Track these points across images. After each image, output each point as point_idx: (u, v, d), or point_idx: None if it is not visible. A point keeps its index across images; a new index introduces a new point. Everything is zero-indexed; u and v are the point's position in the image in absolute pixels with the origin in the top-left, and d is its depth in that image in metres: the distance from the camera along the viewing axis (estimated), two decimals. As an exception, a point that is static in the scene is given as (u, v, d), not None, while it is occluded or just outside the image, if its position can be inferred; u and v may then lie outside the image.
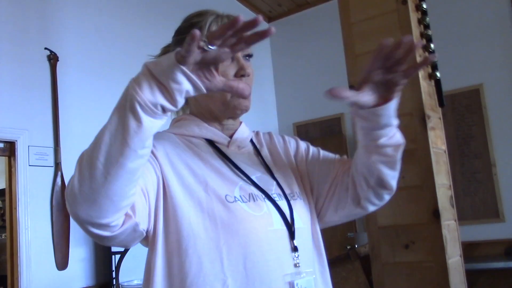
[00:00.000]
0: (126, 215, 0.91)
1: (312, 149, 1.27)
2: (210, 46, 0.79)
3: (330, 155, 1.27)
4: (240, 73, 1.08)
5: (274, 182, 1.13)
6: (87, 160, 0.83)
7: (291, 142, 1.28)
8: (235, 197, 1.03)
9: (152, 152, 1.00)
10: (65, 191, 0.87)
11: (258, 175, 1.13)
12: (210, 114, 1.14)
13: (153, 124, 0.81)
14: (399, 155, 1.09)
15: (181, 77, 0.80)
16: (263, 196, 1.07)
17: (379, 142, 1.05)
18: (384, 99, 0.99)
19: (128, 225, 0.92)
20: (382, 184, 1.12)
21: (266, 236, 1.02)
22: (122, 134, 0.81)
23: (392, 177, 1.13)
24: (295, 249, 1.05)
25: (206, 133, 1.13)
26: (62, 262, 3.27)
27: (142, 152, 0.83)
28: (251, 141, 1.22)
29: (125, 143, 0.81)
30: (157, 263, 1.02)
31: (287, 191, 1.14)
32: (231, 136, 1.15)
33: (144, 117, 0.80)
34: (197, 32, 0.76)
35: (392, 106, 1.00)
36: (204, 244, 0.99)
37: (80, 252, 3.41)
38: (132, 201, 0.90)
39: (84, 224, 0.88)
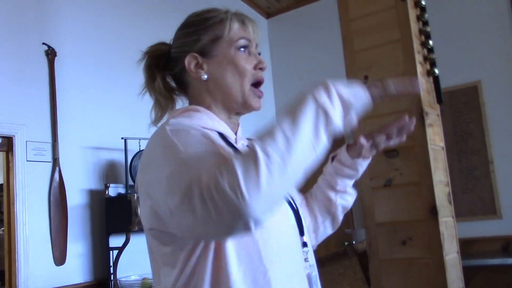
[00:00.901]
0: None
1: None
2: None
3: None
4: (259, 66, 1.12)
5: None
6: (279, 165, 0.81)
7: None
8: None
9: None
10: (240, 190, 0.78)
11: None
12: (223, 106, 1.13)
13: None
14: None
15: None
16: None
17: (348, 189, 1.27)
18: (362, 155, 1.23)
19: None
20: (333, 225, 1.31)
21: (286, 230, 1.06)
22: (315, 147, 0.85)
23: (340, 221, 1.31)
24: (304, 244, 1.09)
25: (219, 127, 1.10)
26: (60, 257, 3.27)
27: None
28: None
29: (315, 154, 0.86)
30: (179, 261, 1.00)
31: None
32: (236, 133, 1.16)
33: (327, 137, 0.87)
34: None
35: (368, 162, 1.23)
36: (240, 238, 0.97)
37: (77, 248, 3.41)
38: None
39: (252, 222, 0.82)
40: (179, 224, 0.90)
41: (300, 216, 1.12)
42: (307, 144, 0.83)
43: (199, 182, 0.81)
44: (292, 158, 0.81)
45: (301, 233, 1.10)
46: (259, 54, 1.17)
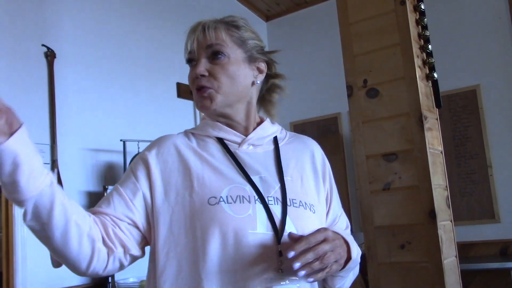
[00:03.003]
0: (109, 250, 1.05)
1: (330, 201, 1.27)
2: None
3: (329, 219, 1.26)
4: (194, 76, 1.14)
5: (278, 185, 1.12)
6: None
7: (326, 172, 1.27)
8: (221, 197, 1.04)
9: (148, 171, 1.11)
10: None
11: (263, 175, 1.12)
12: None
13: None
14: None
15: None
16: (256, 197, 1.07)
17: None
18: None
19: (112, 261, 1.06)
20: None
21: (246, 239, 1.01)
22: None
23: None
24: (280, 253, 1.02)
25: (218, 133, 1.17)
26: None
27: None
28: (275, 139, 1.23)
29: None
30: (149, 267, 1.10)
31: (290, 197, 1.11)
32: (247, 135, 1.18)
33: None
34: None
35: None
36: (183, 247, 1.03)
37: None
38: None
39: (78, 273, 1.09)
40: None
41: (283, 222, 1.05)
42: None
43: None
44: None
45: (278, 241, 1.03)
46: (214, 54, 1.14)
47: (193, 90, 1.17)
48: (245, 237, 1.01)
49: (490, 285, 3.86)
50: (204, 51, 1.14)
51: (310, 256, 0.94)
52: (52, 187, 0.94)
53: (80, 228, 0.99)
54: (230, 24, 1.17)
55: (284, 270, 1.00)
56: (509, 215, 4.28)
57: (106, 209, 1.07)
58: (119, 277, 3.41)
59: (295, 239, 0.98)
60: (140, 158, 1.14)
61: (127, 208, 1.08)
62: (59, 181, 3.32)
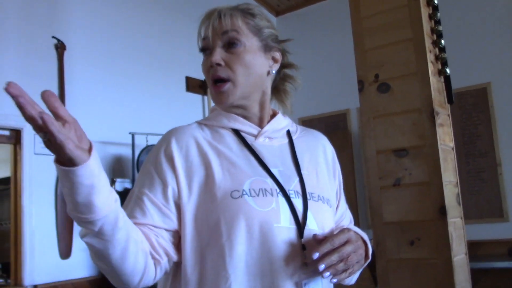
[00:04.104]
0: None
1: (339, 197, 1.28)
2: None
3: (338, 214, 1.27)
4: (209, 65, 1.11)
5: (297, 179, 1.11)
6: None
7: (336, 167, 1.27)
8: (243, 190, 1.02)
9: (172, 165, 1.06)
10: None
11: (281, 169, 1.11)
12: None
13: None
14: None
15: None
16: (278, 191, 1.05)
17: None
18: None
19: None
20: None
21: (271, 232, 1.00)
22: None
23: None
24: (303, 247, 1.02)
25: (234, 124, 1.14)
26: (65, 251, 3.27)
27: None
28: (288, 133, 1.21)
29: None
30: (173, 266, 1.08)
31: (309, 190, 1.11)
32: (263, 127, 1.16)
33: None
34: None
35: None
36: (208, 242, 1.00)
37: (83, 242, 3.41)
38: None
39: None
40: None
41: (304, 216, 1.05)
42: None
43: None
44: None
45: (301, 235, 1.03)
46: (231, 42, 1.10)
47: (208, 80, 1.13)
48: (270, 230, 1.01)
49: (498, 284, 3.84)
50: (219, 38, 1.10)
51: (334, 258, 0.96)
52: (117, 203, 0.90)
53: (137, 244, 0.95)
54: (246, 12, 1.14)
55: (308, 264, 1.00)
56: (518, 214, 4.26)
57: (144, 219, 1.02)
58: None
59: (319, 240, 0.99)
60: (163, 153, 1.08)
61: (164, 215, 1.03)
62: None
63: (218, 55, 1.09)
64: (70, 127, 0.79)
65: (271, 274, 0.99)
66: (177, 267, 1.06)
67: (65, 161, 0.79)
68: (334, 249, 0.97)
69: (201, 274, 1.01)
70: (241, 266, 0.99)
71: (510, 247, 4.21)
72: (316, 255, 0.95)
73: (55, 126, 0.73)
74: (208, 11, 1.13)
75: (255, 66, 1.12)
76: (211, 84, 1.12)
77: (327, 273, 0.95)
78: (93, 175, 0.81)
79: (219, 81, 1.10)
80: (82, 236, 0.90)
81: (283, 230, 1.02)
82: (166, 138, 1.10)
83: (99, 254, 0.92)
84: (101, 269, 0.96)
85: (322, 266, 0.94)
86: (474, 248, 4.11)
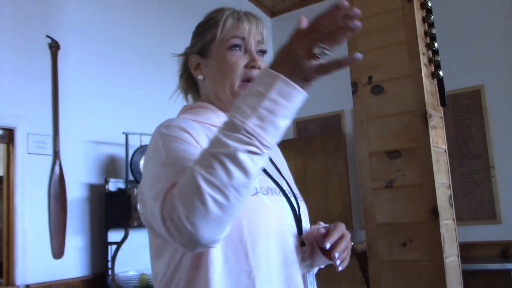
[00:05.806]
0: None
1: None
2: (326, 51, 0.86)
3: None
4: (251, 64, 1.13)
5: (283, 180, 1.18)
6: (222, 194, 0.81)
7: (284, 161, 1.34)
8: (256, 188, 1.04)
9: (195, 141, 1.02)
10: (190, 222, 0.81)
11: (272, 170, 1.16)
12: (221, 103, 1.17)
13: None
14: None
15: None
16: (278, 190, 1.11)
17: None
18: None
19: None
20: None
21: (282, 229, 1.06)
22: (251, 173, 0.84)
23: None
24: (302, 243, 1.11)
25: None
26: (58, 250, 3.26)
27: None
28: None
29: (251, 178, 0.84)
30: (175, 261, 1.03)
31: (294, 191, 1.19)
32: None
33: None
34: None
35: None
36: (228, 237, 0.96)
37: (76, 242, 3.40)
38: None
39: (206, 244, 0.86)
40: (153, 224, 0.95)
41: (299, 215, 1.13)
42: (243, 169, 0.82)
43: (164, 200, 0.86)
44: (234, 185, 0.81)
45: (299, 232, 1.11)
46: (263, 51, 1.18)
47: (236, 75, 1.12)
48: (281, 227, 1.07)
49: (491, 286, 3.85)
50: (255, 44, 1.16)
51: (346, 254, 1.13)
52: None
53: None
54: (263, 25, 1.21)
55: (305, 259, 1.11)
56: (510, 217, 4.27)
57: None
58: (118, 270, 3.41)
59: (324, 236, 1.12)
60: (182, 131, 1.02)
61: None
62: (61, 173, 3.32)
63: (260, 61, 1.15)
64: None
65: (284, 268, 1.05)
66: (184, 258, 1.01)
67: (305, 85, 0.93)
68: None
69: (222, 267, 0.99)
70: (262, 261, 1.01)
71: (502, 249, 4.23)
72: (337, 254, 1.09)
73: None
74: (247, 14, 1.19)
75: None
76: (240, 81, 1.13)
77: (340, 268, 1.11)
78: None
79: (250, 82, 1.12)
80: (247, 178, 0.82)
81: (289, 227, 1.09)
82: (172, 125, 1.05)
83: (241, 179, 0.82)
84: (217, 202, 0.81)
85: (338, 262, 1.10)
86: (467, 250, 4.13)
